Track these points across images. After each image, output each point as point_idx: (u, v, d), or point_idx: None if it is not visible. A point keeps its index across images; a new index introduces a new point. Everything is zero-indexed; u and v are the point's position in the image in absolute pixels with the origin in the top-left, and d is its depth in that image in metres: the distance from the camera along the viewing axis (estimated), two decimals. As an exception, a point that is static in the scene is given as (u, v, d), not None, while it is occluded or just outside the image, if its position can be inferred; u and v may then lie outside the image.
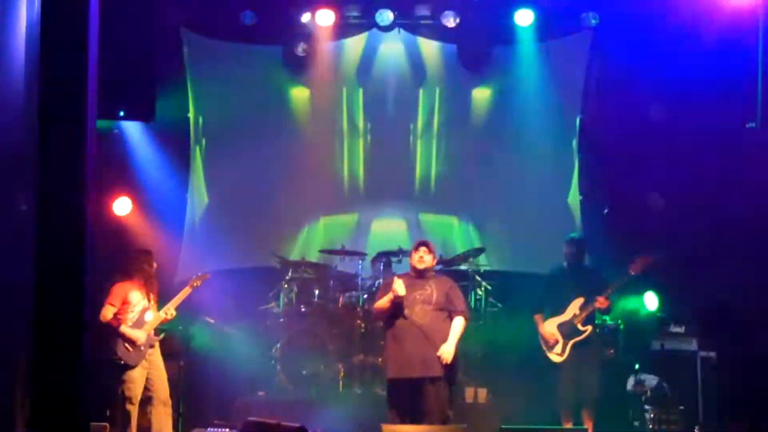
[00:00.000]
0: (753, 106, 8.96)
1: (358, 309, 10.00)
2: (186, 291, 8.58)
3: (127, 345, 8.18)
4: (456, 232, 11.21)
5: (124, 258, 8.57)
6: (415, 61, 11.18)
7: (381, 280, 9.54)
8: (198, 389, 10.03)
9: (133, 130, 10.53)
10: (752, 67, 9.09)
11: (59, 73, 5.24)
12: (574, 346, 8.41)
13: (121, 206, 10.41)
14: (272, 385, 9.86)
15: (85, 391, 5.25)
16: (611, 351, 9.31)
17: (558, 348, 8.46)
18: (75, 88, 5.23)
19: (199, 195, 11.22)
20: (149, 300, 8.37)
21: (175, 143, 11.02)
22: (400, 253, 9.95)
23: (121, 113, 7.61)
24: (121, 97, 7.31)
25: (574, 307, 8.43)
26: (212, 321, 10.05)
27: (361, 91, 11.29)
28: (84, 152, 5.19)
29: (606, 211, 10.68)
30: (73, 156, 5.19)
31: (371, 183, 11.36)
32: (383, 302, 7.62)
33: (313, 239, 11.17)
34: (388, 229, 11.23)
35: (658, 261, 8.56)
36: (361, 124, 11.33)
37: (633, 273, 8.49)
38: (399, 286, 7.52)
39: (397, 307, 7.53)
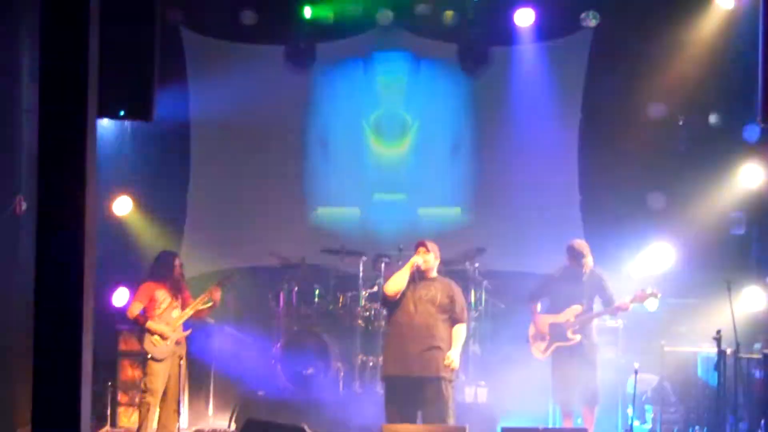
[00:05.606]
0: (753, 106, 8.95)
1: (358, 309, 10.00)
2: (217, 290, 8.72)
3: (153, 340, 8.43)
4: (456, 231, 11.18)
5: (153, 260, 8.82)
6: (415, 60, 11.17)
7: (381, 280, 9.53)
8: (198, 389, 10.03)
9: (133, 129, 10.52)
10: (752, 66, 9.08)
11: (59, 72, 5.25)
12: (557, 349, 8.43)
13: (121, 206, 10.40)
14: (272, 385, 9.86)
15: (85, 391, 5.26)
16: (611, 351, 9.30)
17: (542, 345, 8.50)
18: (75, 88, 5.23)
19: (199, 194, 11.21)
20: (175, 298, 8.64)
21: (175, 143, 11.02)
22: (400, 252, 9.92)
23: (121, 113, 7.59)
24: (121, 97, 7.29)
25: (570, 314, 8.41)
26: (212, 321, 10.04)
27: (361, 89, 11.29)
28: (84, 151, 5.20)
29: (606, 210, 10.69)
30: (73, 155, 5.20)
31: (371, 180, 11.35)
32: (401, 274, 7.58)
33: (313, 237, 11.14)
34: (389, 225, 11.21)
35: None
36: (362, 122, 11.32)
37: (628, 304, 8.45)
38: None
39: (404, 299, 7.52)
